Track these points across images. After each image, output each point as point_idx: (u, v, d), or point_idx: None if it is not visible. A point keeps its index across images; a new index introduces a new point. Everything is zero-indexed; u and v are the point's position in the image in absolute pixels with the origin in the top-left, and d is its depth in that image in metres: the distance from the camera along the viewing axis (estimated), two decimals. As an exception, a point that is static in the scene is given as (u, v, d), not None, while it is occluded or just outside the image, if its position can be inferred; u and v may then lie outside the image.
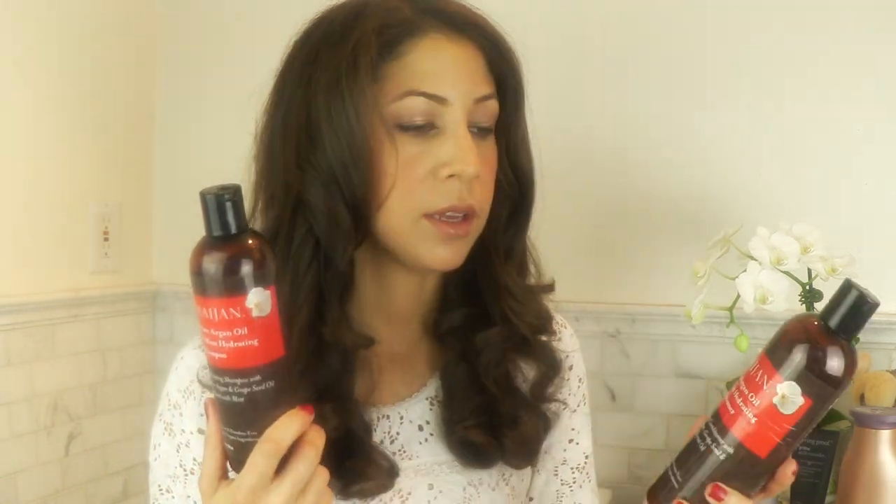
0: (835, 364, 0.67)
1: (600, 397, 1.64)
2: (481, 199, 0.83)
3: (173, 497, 0.86)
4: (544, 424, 0.92)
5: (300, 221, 0.81)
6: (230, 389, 0.67)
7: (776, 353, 0.69)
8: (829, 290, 1.32)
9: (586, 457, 0.98)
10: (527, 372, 0.93)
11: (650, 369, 1.63)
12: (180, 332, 1.88)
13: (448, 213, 0.81)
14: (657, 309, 1.60)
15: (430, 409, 0.90)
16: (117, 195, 1.80)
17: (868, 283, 1.61)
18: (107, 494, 1.77)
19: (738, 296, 1.27)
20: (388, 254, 0.84)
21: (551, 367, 0.93)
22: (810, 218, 1.35)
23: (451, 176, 0.80)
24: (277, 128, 0.83)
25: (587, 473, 0.98)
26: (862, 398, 1.36)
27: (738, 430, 0.70)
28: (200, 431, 0.84)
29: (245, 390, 0.67)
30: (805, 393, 0.67)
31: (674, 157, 1.63)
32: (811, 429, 0.71)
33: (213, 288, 0.66)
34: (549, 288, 0.94)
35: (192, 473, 0.85)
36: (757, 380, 0.69)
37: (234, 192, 0.66)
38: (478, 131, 0.83)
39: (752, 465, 0.71)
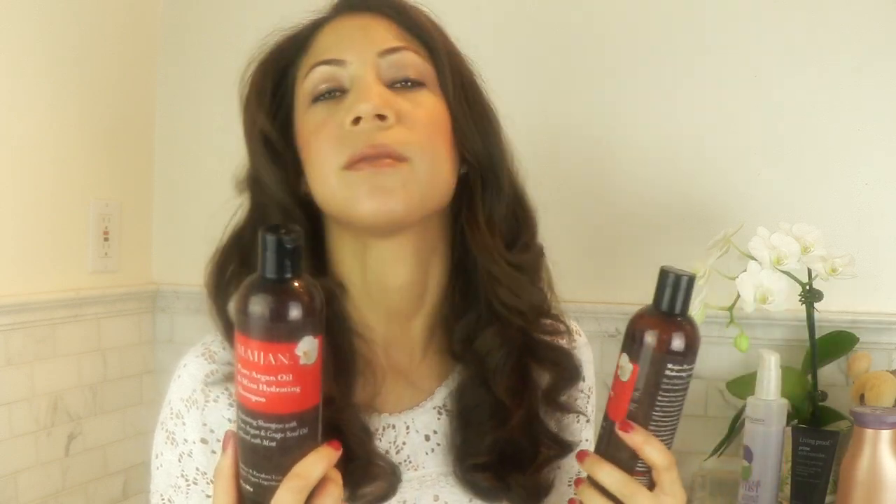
0: (678, 341, 0.74)
1: (600, 397, 1.63)
2: (405, 141, 0.80)
3: None
4: (561, 454, 0.90)
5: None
6: (262, 433, 0.66)
7: (632, 349, 0.75)
8: (829, 289, 1.33)
9: None
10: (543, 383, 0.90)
11: (650, 369, 1.63)
12: (180, 332, 1.89)
13: (365, 159, 0.79)
14: (657, 309, 1.59)
15: (438, 419, 0.88)
16: (117, 195, 1.80)
17: (867, 283, 1.60)
18: (107, 494, 1.78)
19: (738, 296, 1.27)
20: (362, 239, 0.85)
21: (567, 370, 0.91)
22: (810, 218, 1.35)
23: (356, 121, 0.80)
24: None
25: None
26: (862, 398, 1.36)
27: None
28: (203, 441, 0.84)
29: (278, 435, 0.66)
30: (632, 360, 0.74)
31: (674, 156, 1.63)
32: (661, 396, 0.75)
33: (263, 331, 0.64)
34: (539, 253, 0.91)
35: (195, 483, 0.84)
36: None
37: (297, 237, 0.64)
38: (403, 85, 0.83)
39: (617, 437, 0.76)
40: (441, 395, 0.89)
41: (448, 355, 0.90)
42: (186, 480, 0.85)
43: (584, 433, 0.97)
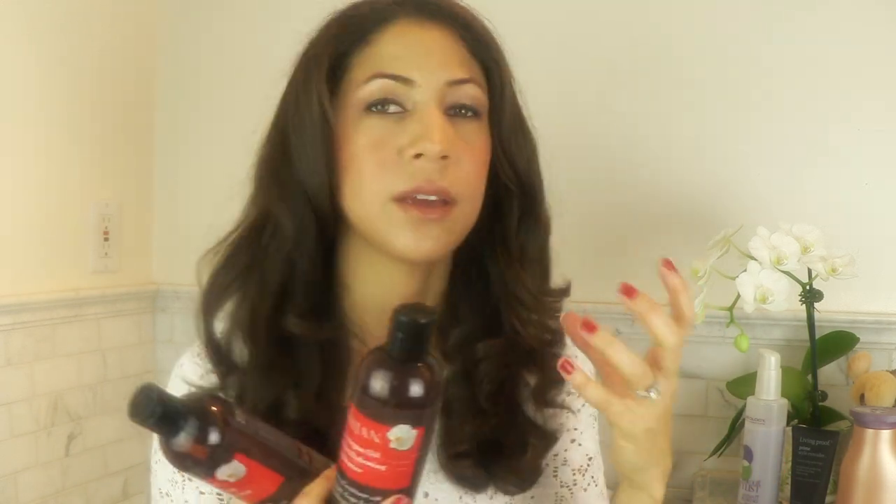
0: (415, 388, 0.66)
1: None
2: (458, 182, 0.80)
3: (172, 501, 0.87)
4: (547, 444, 0.89)
5: (269, 228, 0.83)
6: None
7: (364, 402, 0.67)
8: (829, 289, 1.33)
9: (590, 459, 0.95)
10: (531, 382, 0.90)
11: (650, 369, 1.63)
12: (180, 332, 1.88)
13: (419, 196, 0.78)
14: (657, 309, 1.59)
15: None
16: (117, 195, 1.80)
17: (867, 283, 1.60)
18: (107, 494, 1.78)
19: (738, 296, 1.28)
20: (375, 247, 0.83)
21: (554, 374, 0.88)
22: (810, 218, 1.35)
23: (417, 156, 0.78)
24: (268, 134, 0.86)
25: (592, 477, 0.95)
26: (862, 398, 1.36)
27: (374, 483, 0.69)
28: None
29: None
30: (416, 426, 0.67)
31: (673, 157, 1.63)
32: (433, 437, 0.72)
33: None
34: (565, 292, 0.92)
35: (190, 480, 0.85)
36: (365, 436, 0.67)
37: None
38: (459, 114, 0.82)
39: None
40: None
41: (438, 355, 0.90)
42: (182, 477, 0.85)
43: (571, 423, 0.95)
